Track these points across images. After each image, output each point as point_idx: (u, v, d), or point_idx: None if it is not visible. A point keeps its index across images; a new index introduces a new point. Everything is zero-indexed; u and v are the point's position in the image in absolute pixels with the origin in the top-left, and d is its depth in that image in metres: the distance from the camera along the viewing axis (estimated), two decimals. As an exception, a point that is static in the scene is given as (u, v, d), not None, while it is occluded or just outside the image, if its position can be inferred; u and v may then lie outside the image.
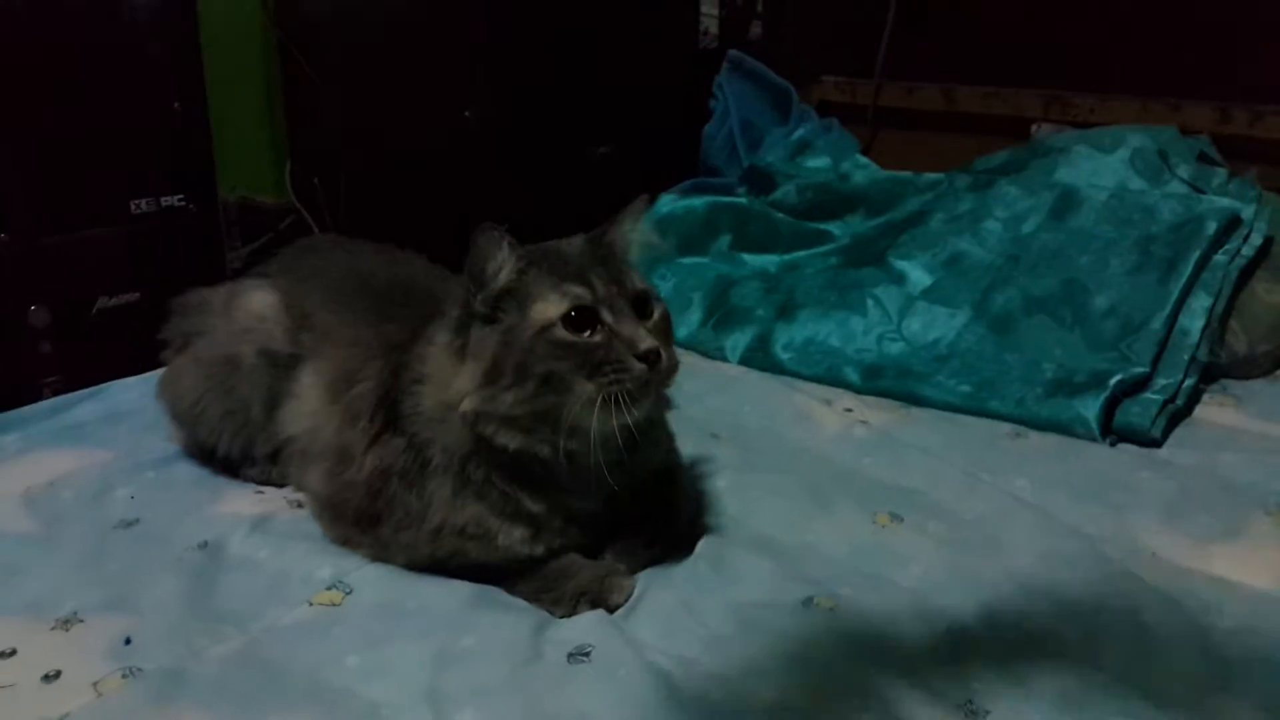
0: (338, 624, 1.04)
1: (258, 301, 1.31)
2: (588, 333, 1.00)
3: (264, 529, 1.21)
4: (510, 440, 1.03)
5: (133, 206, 1.71)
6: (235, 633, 1.03)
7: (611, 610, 1.05)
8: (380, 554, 1.13)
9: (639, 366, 0.99)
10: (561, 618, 1.05)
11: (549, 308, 1.01)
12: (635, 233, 1.13)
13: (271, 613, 1.06)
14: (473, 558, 1.09)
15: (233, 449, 1.32)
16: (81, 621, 1.04)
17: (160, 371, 1.39)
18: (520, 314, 1.02)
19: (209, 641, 1.02)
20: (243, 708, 0.92)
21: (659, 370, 1.00)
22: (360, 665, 0.98)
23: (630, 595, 1.08)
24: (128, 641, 1.01)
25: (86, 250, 1.67)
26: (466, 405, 1.03)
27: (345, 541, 1.16)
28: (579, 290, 1.01)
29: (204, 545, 1.18)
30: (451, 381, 1.05)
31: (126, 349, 1.55)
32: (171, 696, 0.93)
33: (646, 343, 0.99)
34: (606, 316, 1.01)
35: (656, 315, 1.06)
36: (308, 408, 1.23)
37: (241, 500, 1.28)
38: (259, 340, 1.28)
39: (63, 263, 1.64)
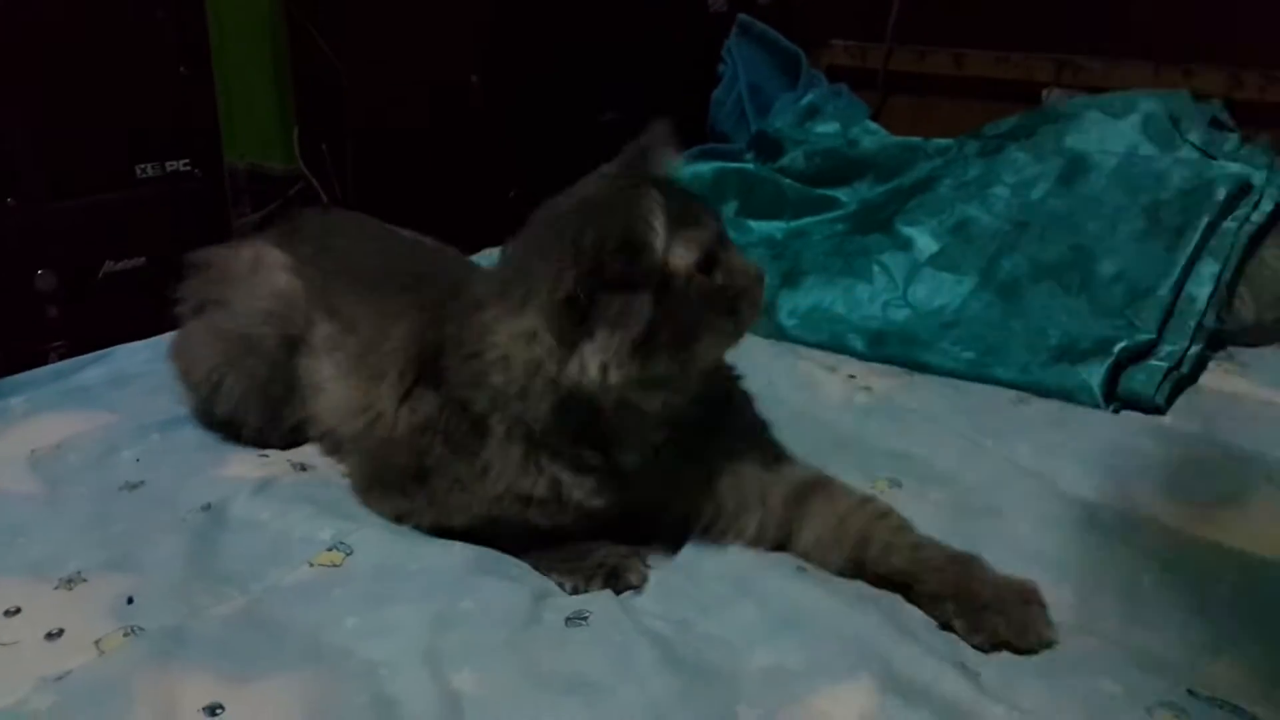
0: (338, 585, 1.04)
1: (282, 281, 1.29)
2: (715, 273, 0.98)
3: (267, 492, 1.21)
4: (653, 401, 1.01)
5: (138, 171, 1.72)
6: (236, 593, 1.04)
7: (622, 590, 1.04)
8: (437, 517, 1.11)
9: (760, 292, 1.00)
10: (571, 593, 1.04)
11: (683, 257, 0.96)
12: (674, 160, 1.08)
13: (272, 573, 1.07)
14: (532, 521, 1.07)
15: (248, 423, 1.32)
16: (85, 581, 1.05)
17: (170, 335, 1.38)
18: (652, 270, 0.95)
19: (210, 601, 1.02)
20: (242, 666, 0.92)
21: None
22: (359, 626, 0.98)
23: (645, 580, 1.06)
24: (130, 601, 1.02)
25: (93, 215, 1.68)
26: (614, 379, 0.96)
27: (399, 516, 1.13)
28: (698, 232, 0.97)
29: (207, 507, 1.18)
30: (564, 361, 0.97)
31: (132, 313, 1.56)
32: (172, 654, 0.94)
33: (754, 267, 1.01)
34: (722, 252, 0.99)
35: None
36: (338, 398, 1.23)
37: (245, 463, 1.29)
38: (281, 326, 1.27)
39: (69, 227, 1.65)
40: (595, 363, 0.96)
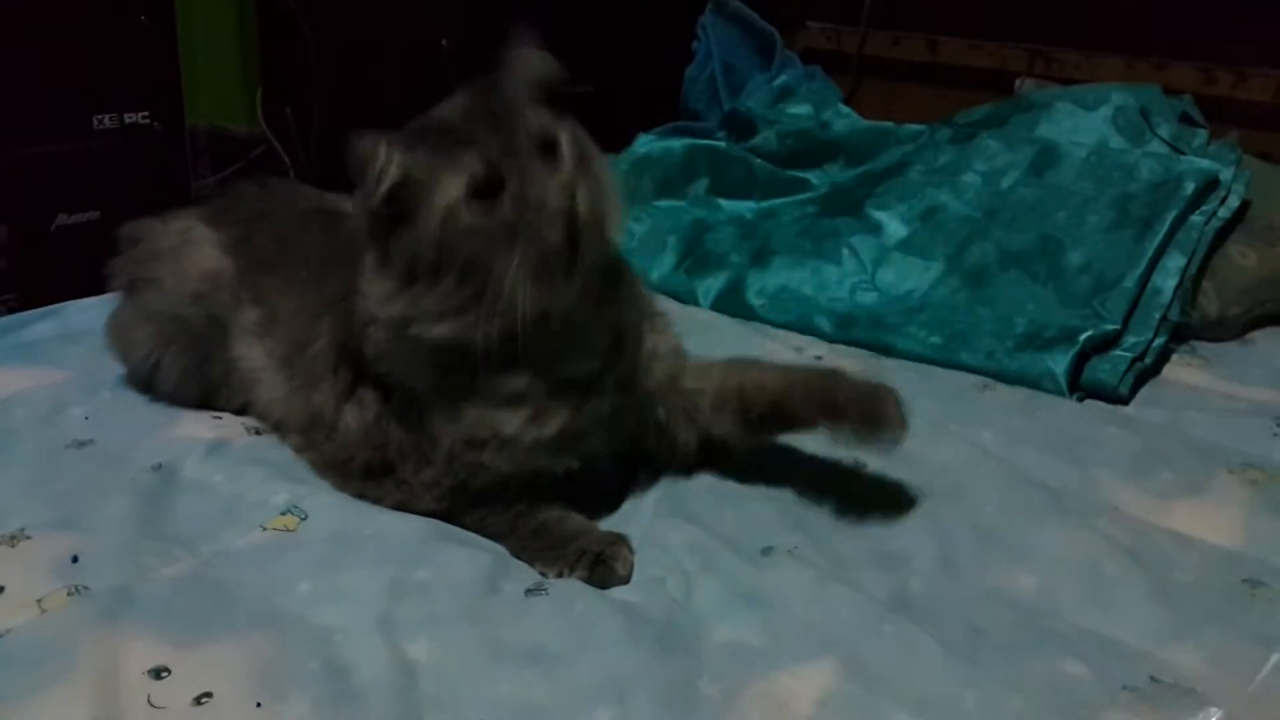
0: (291, 549, 1.02)
1: (210, 260, 1.25)
2: (497, 204, 0.92)
3: (220, 453, 1.19)
4: (436, 329, 0.97)
5: (95, 122, 1.67)
6: (186, 554, 1.02)
7: (610, 583, 0.99)
8: (406, 499, 1.08)
9: (555, 228, 0.91)
10: (554, 577, 1.01)
11: (447, 188, 0.93)
12: (532, 69, 1.01)
13: (224, 536, 1.05)
14: (491, 467, 1.03)
15: (190, 402, 1.29)
16: (28, 538, 1.02)
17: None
18: (419, 204, 0.94)
19: (159, 562, 1.00)
20: (190, 628, 0.90)
21: (583, 224, 0.92)
22: (312, 591, 0.96)
23: (631, 570, 1.01)
24: (75, 559, 0.99)
25: (46, 165, 1.63)
26: (390, 310, 0.98)
27: (362, 494, 1.10)
28: (470, 158, 0.92)
29: (158, 467, 1.16)
30: (370, 295, 1.00)
31: (86, 268, 1.51)
32: (117, 615, 0.91)
33: (555, 195, 0.91)
34: (510, 180, 0.92)
35: (567, 154, 0.95)
36: (277, 392, 1.19)
37: (198, 424, 1.26)
38: (209, 308, 1.23)
39: (21, 177, 1.60)
40: (375, 295, 0.99)
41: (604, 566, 1.00)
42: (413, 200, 0.94)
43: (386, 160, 0.93)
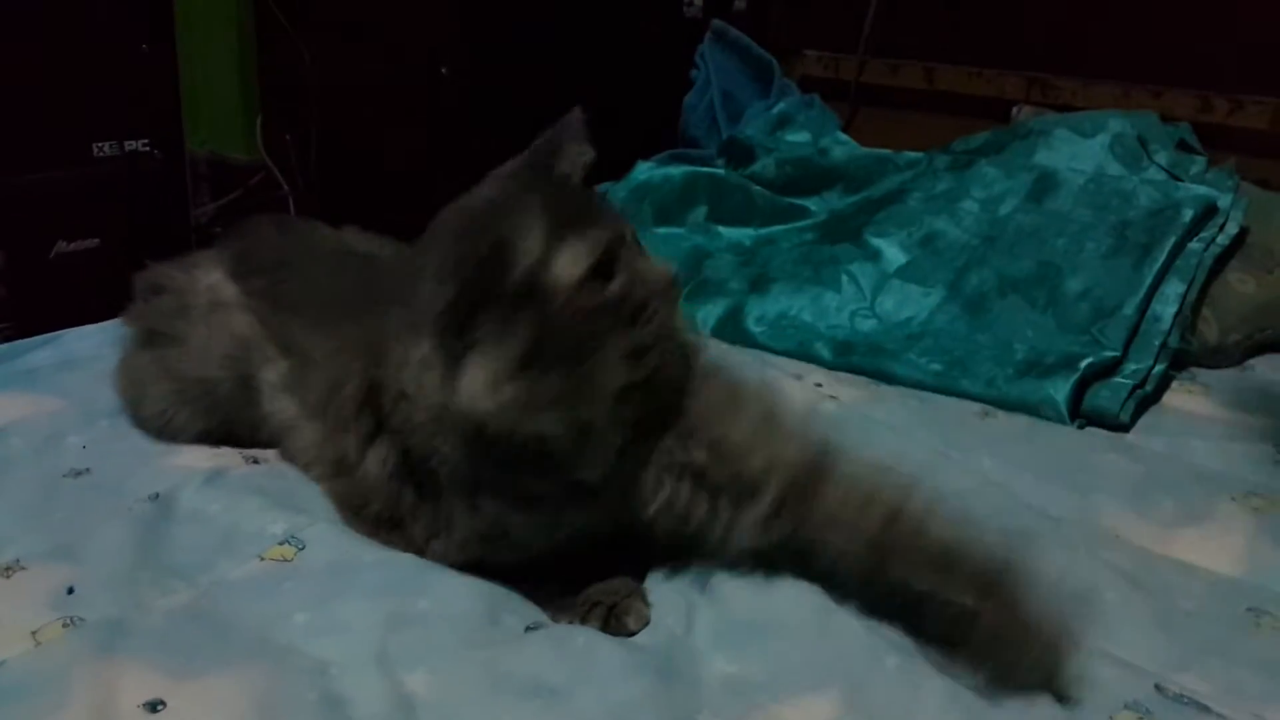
0: (289, 580, 1.01)
1: (239, 324, 1.23)
2: (612, 281, 0.89)
3: (217, 483, 1.18)
4: (551, 425, 0.90)
5: (95, 149, 1.67)
6: (182, 585, 1.01)
7: (620, 634, 0.96)
8: (415, 550, 1.04)
9: (665, 306, 0.90)
10: (566, 623, 0.98)
11: (570, 267, 0.87)
12: (584, 156, 0.97)
13: (221, 566, 1.04)
14: (497, 560, 1.01)
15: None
16: (24, 569, 1.01)
17: (119, 363, 1.33)
18: (535, 281, 0.87)
19: (155, 593, 0.99)
20: (185, 661, 0.89)
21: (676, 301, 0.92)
22: (309, 623, 0.95)
23: (646, 623, 0.97)
24: (70, 591, 0.98)
25: (45, 192, 1.63)
26: (497, 401, 0.88)
27: (373, 535, 1.07)
28: (587, 240, 0.88)
29: (155, 497, 1.15)
30: (454, 387, 0.90)
31: (84, 296, 1.52)
32: (112, 647, 0.90)
33: (660, 276, 0.91)
34: (622, 259, 0.90)
35: (632, 239, 0.94)
36: (310, 438, 1.16)
37: (196, 453, 1.25)
38: (239, 369, 1.21)
39: (20, 204, 1.60)
40: (477, 384, 0.88)
41: (617, 621, 0.96)
42: (516, 279, 0.87)
43: (529, 238, 0.87)
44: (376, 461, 1.04)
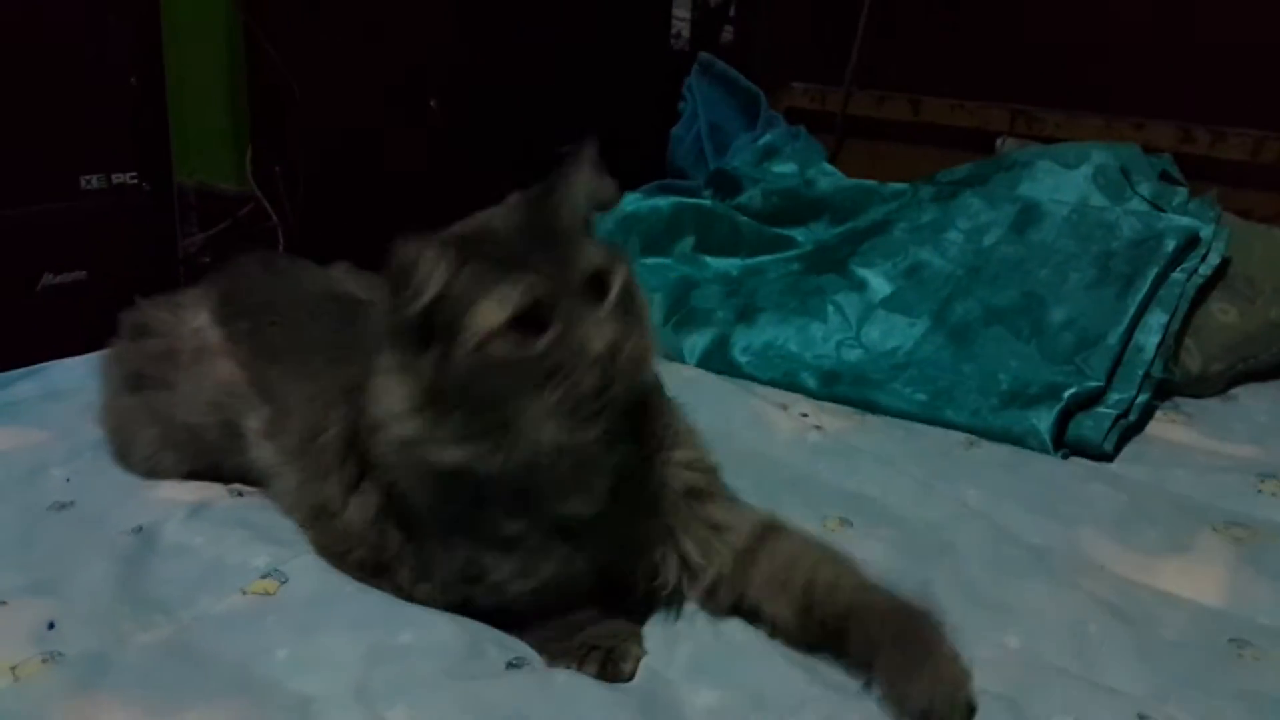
0: (270, 614, 1.01)
1: (225, 371, 1.22)
2: (539, 336, 0.86)
3: (201, 515, 1.18)
4: (448, 455, 0.91)
5: (83, 182, 1.68)
6: (164, 620, 1.01)
7: (614, 680, 0.94)
8: (403, 595, 1.03)
9: (591, 375, 0.86)
10: (562, 668, 0.96)
11: (488, 313, 0.86)
12: (591, 191, 0.95)
13: (203, 601, 1.03)
14: (481, 604, 0.99)
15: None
16: (4, 604, 1.01)
17: (103, 405, 1.33)
18: (453, 322, 0.87)
19: (136, 628, 0.99)
20: (166, 697, 0.89)
21: (618, 369, 0.86)
22: (291, 657, 0.95)
23: (639, 664, 0.97)
24: (51, 626, 0.98)
25: (33, 225, 1.63)
26: (404, 430, 0.91)
27: (358, 579, 1.05)
28: (521, 286, 0.86)
29: (138, 530, 1.15)
30: (386, 402, 0.92)
31: (70, 328, 1.51)
32: (92, 684, 0.90)
33: (600, 341, 0.86)
34: (557, 319, 0.86)
35: (614, 292, 0.89)
36: (290, 483, 1.15)
37: (179, 486, 1.25)
38: (224, 414, 1.21)
39: (7, 236, 1.60)
40: (392, 404, 0.91)
41: (613, 666, 0.95)
42: (447, 316, 0.87)
43: (431, 270, 0.86)
44: (359, 508, 1.04)
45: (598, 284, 0.89)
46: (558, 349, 0.86)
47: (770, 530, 1.04)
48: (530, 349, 0.86)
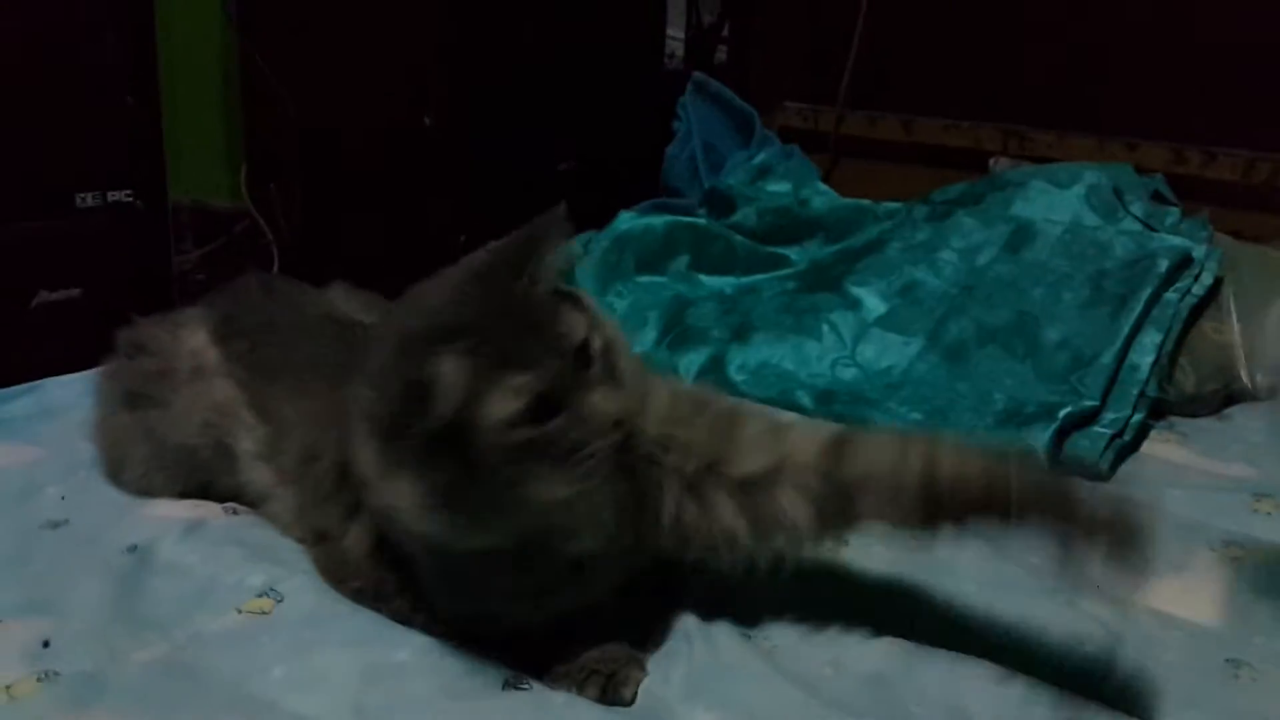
0: (266, 633, 1.01)
1: (221, 392, 1.21)
2: (548, 419, 0.85)
3: (197, 534, 1.17)
4: (483, 543, 0.90)
5: (78, 200, 1.67)
6: (159, 639, 1.00)
7: (614, 703, 0.94)
8: (402, 621, 1.02)
9: (607, 443, 0.86)
10: (564, 690, 0.95)
11: (501, 405, 0.84)
12: (561, 262, 0.93)
13: (199, 619, 1.03)
14: (484, 635, 0.99)
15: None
16: (-1, 623, 1.01)
17: (95, 423, 1.33)
18: (466, 422, 0.84)
19: (131, 647, 0.98)
20: (161, 716, 0.89)
21: (626, 428, 0.87)
22: (287, 676, 0.95)
23: (638, 688, 0.95)
24: (46, 644, 0.97)
25: (28, 242, 1.63)
26: (415, 527, 0.90)
27: (358, 604, 1.05)
28: (526, 378, 0.84)
29: (133, 549, 1.14)
30: (393, 500, 0.90)
31: (65, 345, 1.51)
32: (87, 702, 0.90)
33: (607, 407, 0.86)
34: (566, 393, 0.86)
35: (599, 358, 0.89)
36: (288, 504, 1.16)
37: (174, 505, 1.24)
38: (218, 435, 1.21)
39: (2, 254, 1.60)
40: (406, 503, 0.88)
41: (614, 691, 0.94)
42: (459, 417, 0.84)
43: (455, 383, 0.83)
44: (356, 538, 1.04)
45: (583, 348, 0.89)
46: (572, 427, 0.85)
47: (843, 442, 0.97)
48: (544, 434, 0.85)
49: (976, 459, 0.92)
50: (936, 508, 0.92)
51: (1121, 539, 0.87)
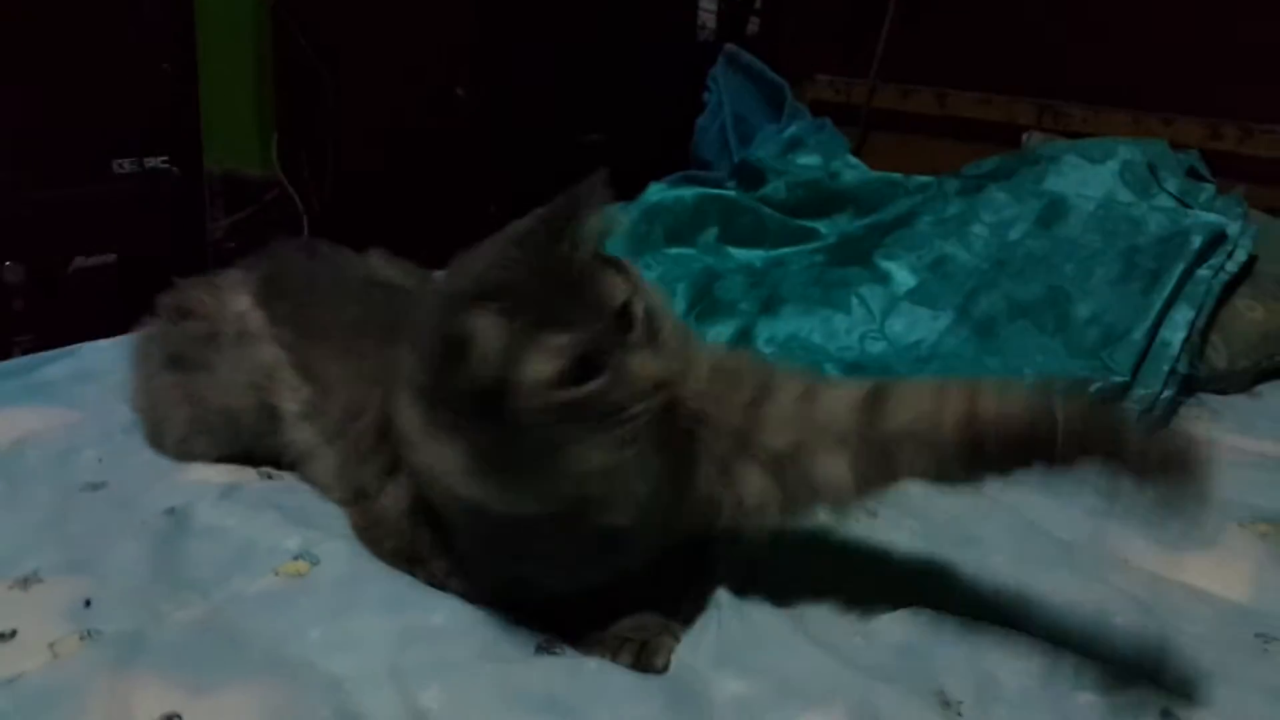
0: (303, 595, 1.02)
1: (266, 355, 1.22)
2: (588, 380, 0.84)
3: (233, 497, 1.19)
4: (527, 507, 0.90)
5: (115, 166, 1.69)
6: (198, 599, 1.01)
7: (647, 670, 0.94)
8: (436, 585, 1.03)
9: (648, 406, 0.85)
10: (596, 657, 0.96)
11: (543, 367, 0.83)
12: (602, 226, 0.91)
13: (236, 581, 1.04)
14: (518, 601, 0.99)
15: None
16: (41, 581, 1.02)
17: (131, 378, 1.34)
18: (506, 382, 0.83)
19: (171, 607, 1.00)
20: (201, 675, 0.90)
21: (667, 393, 0.86)
22: (323, 638, 0.96)
23: (670, 657, 0.96)
24: (88, 604, 0.99)
25: (65, 208, 1.64)
26: (455, 489, 0.90)
27: (393, 566, 1.06)
28: (564, 339, 0.84)
29: (171, 511, 1.16)
30: (435, 461, 0.90)
31: (101, 309, 1.53)
32: (129, 660, 0.91)
33: (658, 370, 0.86)
34: (606, 354, 0.85)
35: (640, 323, 0.88)
36: (330, 463, 1.17)
37: (211, 468, 1.26)
38: (262, 397, 1.22)
39: (40, 219, 1.62)
40: (450, 466, 0.88)
41: (648, 659, 0.95)
42: (498, 376, 0.84)
43: (492, 343, 0.83)
44: (394, 497, 1.05)
45: (624, 312, 0.88)
46: (613, 389, 0.85)
47: (878, 394, 0.95)
48: (585, 394, 0.84)
49: (1019, 395, 0.89)
50: (978, 451, 0.89)
51: (1176, 475, 0.84)
